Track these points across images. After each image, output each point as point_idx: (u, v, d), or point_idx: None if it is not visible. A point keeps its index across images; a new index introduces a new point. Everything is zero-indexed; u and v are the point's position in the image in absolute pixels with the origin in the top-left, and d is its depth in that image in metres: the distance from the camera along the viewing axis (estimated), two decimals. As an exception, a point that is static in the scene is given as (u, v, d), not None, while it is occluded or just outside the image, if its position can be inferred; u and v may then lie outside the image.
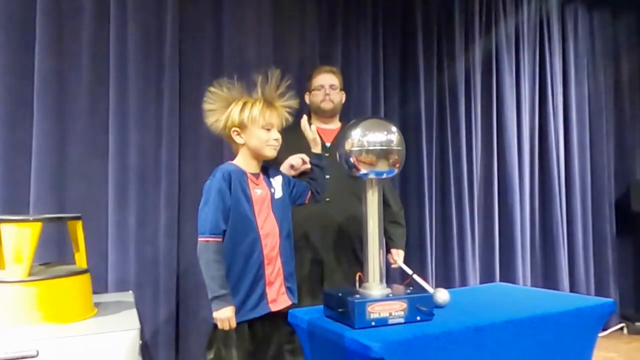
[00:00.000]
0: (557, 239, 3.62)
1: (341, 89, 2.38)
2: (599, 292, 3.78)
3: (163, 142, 2.38)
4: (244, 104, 1.58)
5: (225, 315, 1.45)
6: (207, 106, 1.61)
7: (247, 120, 1.57)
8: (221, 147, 2.48)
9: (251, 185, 1.60)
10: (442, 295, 1.68)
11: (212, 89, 1.61)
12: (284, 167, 2.10)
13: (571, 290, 3.66)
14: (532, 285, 3.47)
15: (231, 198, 1.53)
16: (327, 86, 2.31)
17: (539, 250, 3.64)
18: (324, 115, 2.32)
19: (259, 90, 1.60)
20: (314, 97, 2.33)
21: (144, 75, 2.35)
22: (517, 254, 3.42)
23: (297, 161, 2.04)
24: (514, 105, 3.55)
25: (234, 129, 1.59)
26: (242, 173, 1.59)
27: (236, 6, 2.57)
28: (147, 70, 2.36)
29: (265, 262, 1.56)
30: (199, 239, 1.52)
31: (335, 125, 2.37)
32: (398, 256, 2.24)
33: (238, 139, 1.60)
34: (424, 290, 1.67)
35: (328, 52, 2.84)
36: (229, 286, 1.49)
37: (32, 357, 1.37)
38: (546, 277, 3.64)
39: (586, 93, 3.94)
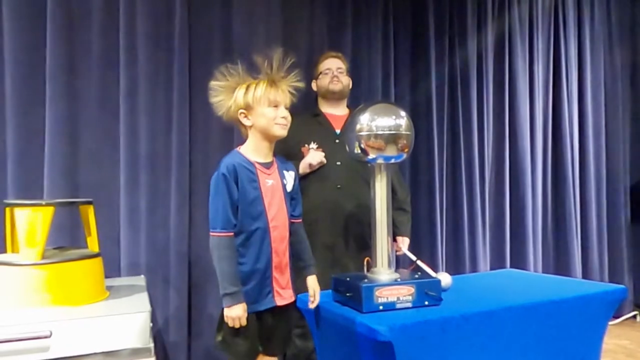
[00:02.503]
0: (569, 226, 3.59)
1: (347, 74, 2.38)
2: (613, 280, 3.75)
3: (173, 127, 2.39)
4: (248, 86, 1.57)
5: (236, 314, 1.45)
6: (214, 98, 1.60)
7: (252, 101, 1.55)
8: (232, 132, 2.48)
9: (261, 175, 1.56)
10: (443, 279, 1.68)
11: (214, 82, 1.60)
12: (303, 165, 2.12)
13: (584, 278, 3.63)
14: (543, 272, 3.45)
15: (238, 191, 1.51)
16: (334, 69, 2.31)
17: (551, 237, 3.60)
18: (333, 97, 2.32)
19: (266, 69, 1.58)
20: (321, 81, 2.32)
21: (154, 61, 2.36)
22: (528, 240, 3.39)
23: (318, 162, 2.13)
24: (527, 91, 3.49)
25: (240, 111, 1.57)
26: (250, 164, 1.56)
27: (245, -9, 2.55)
28: (156, 56, 2.37)
29: (274, 254, 1.55)
30: (211, 234, 1.51)
31: (344, 111, 2.36)
32: (403, 243, 2.24)
33: (245, 121, 1.58)
34: (430, 275, 1.67)
35: (338, 37, 2.81)
36: (239, 281, 1.49)
37: (46, 337, 1.40)
38: (558, 264, 3.61)
39: (602, 78, 3.86)
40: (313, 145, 2.21)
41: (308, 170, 2.16)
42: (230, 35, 2.55)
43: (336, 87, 2.29)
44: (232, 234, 1.50)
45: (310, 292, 1.60)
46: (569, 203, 3.59)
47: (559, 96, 3.64)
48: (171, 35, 2.40)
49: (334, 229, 2.18)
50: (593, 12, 3.83)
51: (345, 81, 2.34)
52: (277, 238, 1.55)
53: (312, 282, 1.62)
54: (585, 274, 3.68)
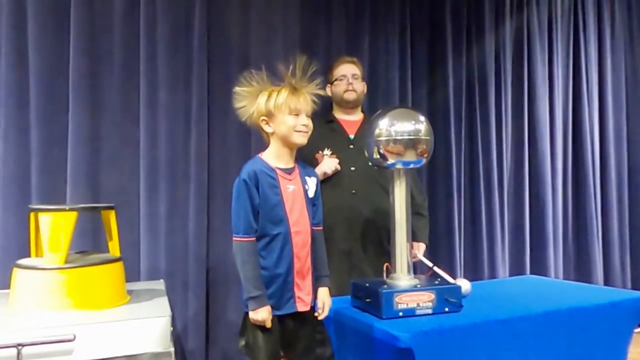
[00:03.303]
0: (591, 231, 3.52)
1: (362, 79, 2.37)
2: (636, 286, 3.65)
3: (192, 133, 2.42)
4: (270, 92, 1.58)
5: (261, 317, 1.47)
6: (237, 104, 1.61)
7: (273, 108, 1.56)
8: (249, 138, 2.50)
9: (282, 181, 1.57)
10: (463, 285, 1.66)
11: (238, 88, 1.61)
12: (319, 173, 2.10)
13: (606, 284, 3.55)
14: (564, 278, 3.38)
15: (259, 196, 1.53)
16: (349, 76, 2.30)
17: (571, 243, 3.54)
18: (347, 105, 2.32)
19: (287, 77, 1.59)
20: (336, 88, 2.32)
21: (173, 69, 2.39)
22: (548, 246, 3.34)
23: (333, 170, 2.15)
24: (547, 94, 3.45)
25: (262, 118, 1.58)
26: (271, 169, 1.57)
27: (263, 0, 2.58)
28: (176, 63, 2.40)
29: (295, 259, 1.56)
30: (234, 239, 1.53)
31: (358, 116, 2.36)
32: (418, 249, 2.22)
33: (267, 128, 1.59)
34: (449, 281, 1.66)
35: (355, 43, 2.81)
36: (263, 285, 1.50)
37: (70, 341, 1.42)
38: (579, 270, 3.55)
39: (623, 80, 3.79)
40: (327, 152, 2.21)
41: (322, 178, 2.16)
42: (248, 43, 2.57)
43: (351, 96, 2.28)
44: (254, 238, 1.52)
45: (320, 303, 1.60)
46: (589, 208, 3.53)
47: (579, 99, 3.59)
48: (190, 43, 2.43)
49: (350, 234, 2.17)
50: (614, 13, 3.77)
51: (360, 88, 2.33)
52: (299, 243, 1.56)
53: (322, 293, 1.61)
54: (607, 280, 3.60)
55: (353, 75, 2.31)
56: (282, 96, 1.56)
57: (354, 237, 2.17)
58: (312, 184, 1.66)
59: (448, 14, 3.07)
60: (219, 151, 2.50)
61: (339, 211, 2.15)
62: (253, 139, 2.49)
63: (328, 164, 2.15)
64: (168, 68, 2.38)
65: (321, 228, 1.68)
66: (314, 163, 2.18)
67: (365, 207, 2.18)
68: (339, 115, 2.34)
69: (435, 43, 3.08)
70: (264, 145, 1.69)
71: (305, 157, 2.12)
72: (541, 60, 3.43)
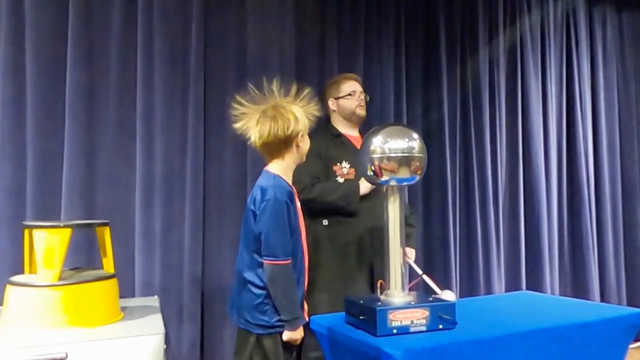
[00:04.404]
0: (586, 246, 3.53)
1: None
2: (632, 301, 3.66)
3: (188, 149, 2.42)
4: (294, 111, 1.60)
5: (300, 336, 1.55)
6: (240, 121, 1.61)
7: (303, 127, 1.61)
8: (245, 154, 2.51)
9: (296, 199, 1.65)
10: (448, 297, 1.67)
11: (238, 105, 1.62)
12: (368, 188, 2.14)
13: (602, 300, 3.55)
14: (560, 294, 3.39)
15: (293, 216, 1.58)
16: (358, 92, 2.32)
17: (567, 258, 3.55)
18: (357, 121, 2.34)
19: (297, 97, 1.62)
20: (346, 103, 2.31)
21: (169, 85, 2.41)
22: (544, 261, 3.34)
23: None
24: (540, 109, 3.49)
25: (301, 135, 1.62)
26: (291, 187, 1.63)
27: (259, 15, 2.60)
28: (172, 79, 2.42)
29: (305, 273, 1.63)
30: (272, 262, 1.53)
31: (356, 133, 2.38)
32: (410, 254, 2.24)
33: (301, 145, 1.64)
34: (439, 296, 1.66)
35: (350, 57, 2.84)
36: None
37: (62, 359, 1.41)
38: (575, 285, 3.55)
39: (616, 96, 3.84)
40: (346, 165, 2.21)
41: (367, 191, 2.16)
42: (244, 58, 2.59)
43: (363, 112, 2.32)
44: (290, 260, 1.55)
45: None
46: (585, 222, 3.55)
47: (573, 113, 3.63)
48: (187, 59, 2.45)
49: (371, 248, 2.18)
50: (605, 29, 3.84)
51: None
52: (306, 258, 1.65)
53: None
54: (603, 296, 3.61)
55: (361, 92, 2.34)
56: (304, 116, 1.61)
57: (375, 250, 2.17)
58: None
59: (442, 29, 3.11)
60: (215, 167, 2.51)
61: (363, 225, 2.16)
62: (249, 156, 2.50)
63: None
64: (164, 83, 2.39)
65: None
66: (332, 175, 2.19)
67: (383, 219, 2.18)
68: (343, 130, 2.35)
69: (430, 58, 3.12)
70: (260, 162, 1.71)
71: (323, 170, 2.16)
72: (534, 75, 3.48)
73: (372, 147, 1.60)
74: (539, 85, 3.50)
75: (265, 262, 1.53)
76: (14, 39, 2.18)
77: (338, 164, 2.22)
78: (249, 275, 1.58)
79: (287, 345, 1.56)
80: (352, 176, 2.21)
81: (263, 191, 1.56)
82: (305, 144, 1.64)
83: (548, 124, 3.51)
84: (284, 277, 1.52)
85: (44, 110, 2.21)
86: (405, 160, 1.57)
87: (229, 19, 2.57)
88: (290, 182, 1.64)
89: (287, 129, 1.58)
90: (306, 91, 1.63)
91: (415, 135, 1.61)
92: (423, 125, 3.05)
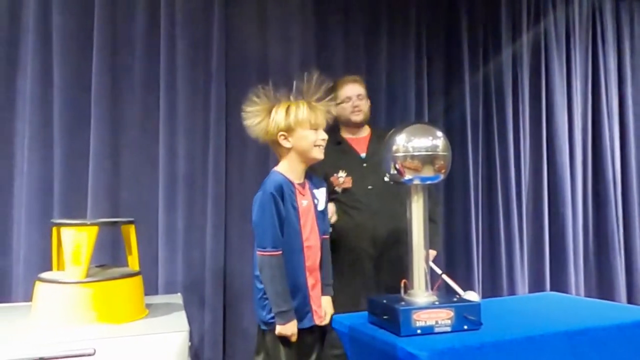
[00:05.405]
0: (612, 246, 3.45)
1: (367, 96, 2.35)
2: (660, 303, 3.57)
3: (210, 148, 2.45)
4: (288, 107, 1.58)
5: (291, 331, 1.48)
6: (248, 121, 1.60)
7: (294, 123, 1.56)
8: (267, 153, 2.52)
9: (298, 196, 1.59)
10: (471, 298, 1.64)
11: (248, 106, 1.61)
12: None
13: (629, 301, 3.47)
14: (585, 296, 3.31)
15: (284, 210, 1.53)
16: (354, 97, 2.27)
17: (592, 258, 3.47)
18: (355, 126, 2.31)
19: (302, 92, 1.59)
20: (342, 110, 2.27)
21: (192, 85, 2.44)
22: (569, 262, 3.27)
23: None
24: (565, 107, 3.42)
25: (280, 133, 1.57)
26: (290, 183, 1.58)
27: (280, 16, 2.62)
28: (195, 80, 2.45)
29: (307, 273, 1.57)
30: (260, 253, 1.52)
31: (365, 132, 2.35)
32: (430, 256, 2.21)
33: (285, 143, 1.58)
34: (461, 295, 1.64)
35: (372, 56, 2.83)
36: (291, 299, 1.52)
37: (90, 355, 1.43)
38: (601, 286, 3.47)
39: (644, 93, 3.74)
40: (342, 174, 2.19)
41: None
42: (265, 58, 2.61)
43: (358, 117, 2.27)
44: (280, 252, 1.52)
45: (321, 312, 1.60)
46: (611, 221, 3.46)
47: (599, 111, 3.54)
48: (209, 59, 2.48)
49: (375, 252, 2.16)
50: (632, 25, 3.74)
51: (366, 107, 2.31)
52: (311, 257, 1.58)
53: (325, 302, 1.63)
54: (630, 297, 3.52)
55: (358, 95, 2.28)
56: (302, 111, 1.56)
57: (378, 256, 2.17)
58: (321, 196, 1.68)
59: (464, 27, 3.07)
60: (237, 166, 2.53)
61: (362, 231, 2.14)
62: (270, 153, 2.51)
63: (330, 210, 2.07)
64: (187, 84, 2.43)
65: (328, 236, 1.69)
66: (330, 188, 2.15)
67: (388, 224, 2.16)
68: (346, 135, 2.33)
69: (452, 56, 3.09)
70: (278, 162, 1.70)
71: (318, 169, 2.13)
72: (559, 73, 3.41)
73: (395, 146, 1.58)
74: (564, 83, 3.43)
75: (256, 253, 1.53)
76: (42, 44, 2.23)
77: (335, 174, 2.19)
78: (255, 270, 1.58)
79: (286, 341, 1.51)
80: (349, 184, 2.18)
81: (261, 186, 1.58)
82: (299, 141, 1.56)
83: (573, 121, 3.43)
84: (270, 268, 1.50)
85: (71, 110, 2.26)
86: (429, 159, 1.55)
87: (250, 19, 2.59)
88: (294, 180, 1.59)
89: (267, 126, 1.57)
90: (312, 82, 1.58)
91: (440, 134, 1.59)
92: (445, 123, 3.02)
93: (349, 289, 2.08)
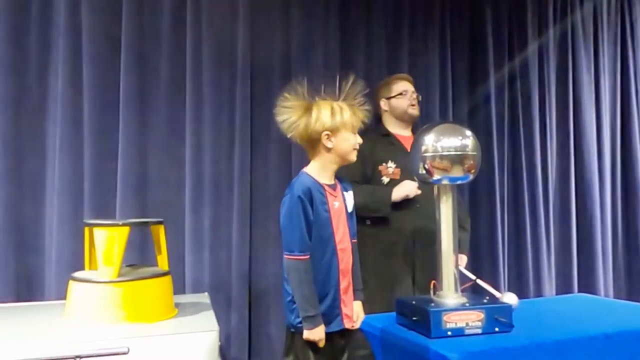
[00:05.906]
0: (643, 247, 3.37)
1: None
2: (693, 306, 3.46)
3: (236, 149, 2.47)
4: (332, 107, 1.56)
5: (319, 337, 1.48)
6: (282, 116, 1.58)
7: (340, 124, 1.55)
8: (290, 152, 2.53)
9: (329, 197, 1.58)
10: (510, 300, 1.61)
11: (284, 102, 1.58)
12: (401, 194, 2.08)
13: (660, 304, 3.38)
14: (614, 297, 3.24)
15: (313, 213, 1.53)
16: (409, 91, 2.31)
17: (621, 261, 3.39)
18: (409, 120, 2.32)
19: (342, 94, 1.58)
20: (398, 103, 2.30)
21: (218, 86, 2.46)
22: (597, 263, 3.21)
23: (414, 194, 2.08)
24: (593, 104, 3.34)
25: (325, 132, 1.56)
26: (320, 185, 1.57)
27: (304, 16, 2.62)
28: (220, 80, 2.47)
29: (341, 276, 1.56)
30: (288, 257, 1.52)
31: (409, 132, 2.35)
32: (461, 261, 2.18)
33: (328, 143, 1.56)
34: (496, 297, 1.61)
35: (395, 55, 2.82)
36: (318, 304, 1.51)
37: (124, 353, 1.46)
38: (631, 288, 3.39)
39: (675, 89, 3.64)
40: (391, 164, 2.19)
41: (399, 200, 2.11)
42: (289, 58, 2.61)
43: (415, 111, 2.30)
44: (309, 256, 1.52)
45: (354, 316, 1.60)
46: (641, 222, 3.38)
47: (628, 108, 3.46)
48: (234, 59, 2.50)
49: (414, 249, 2.15)
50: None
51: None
52: (344, 260, 1.56)
53: (357, 307, 1.62)
54: (662, 300, 3.43)
55: (413, 92, 2.32)
56: (347, 113, 1.55)
57: (419, 251, 2.15)
58: (350, 198, 1.67)
59: (489, 23, 3.03)
60: (262, 166, 2.54)
61: (406, 226, 2.14)
62: (294, 154, 2.52)
63: (410, 187, 2.10)
64: (212, 84, 2.45)
65: (356, 240, 1.68)
66: (377, 175, 2.18)
67: (429, 221, 2.15)
68: (394, 130, 2.33)
69: (476, 54, 3.05)
70: (304, 160, 1.70)
71: (366, 171, 2.14)
72: (587, 69, 3.34)
73: (424, 146, 1.57)
74: (592, 79, 3.36)
75: (284, 256, 1.53)
76: (73, 45, 2.27)
77: (384, 163, 2.20)
78: (285, 273, 1.58)
79: (314, 345, 1.51)
80: (397, 176, 2.18)
81: (288, 189, 1.57)
82: (341, 143, 1.56)
83: (601, 120, 3.36)
84: (297, 272, 1.49)
85: (100, 111, 2.30)
86: (458, 159, 1.53)
87: (274, 19, 2.60)
88: (323, 182, 1.59)
89: (309, 127, 1.54)
90: (350, 85, 1.57)
91: (469, 133, 1.57)
92: (469, 122, 2.98)
93: (387, 270, 2.10)
